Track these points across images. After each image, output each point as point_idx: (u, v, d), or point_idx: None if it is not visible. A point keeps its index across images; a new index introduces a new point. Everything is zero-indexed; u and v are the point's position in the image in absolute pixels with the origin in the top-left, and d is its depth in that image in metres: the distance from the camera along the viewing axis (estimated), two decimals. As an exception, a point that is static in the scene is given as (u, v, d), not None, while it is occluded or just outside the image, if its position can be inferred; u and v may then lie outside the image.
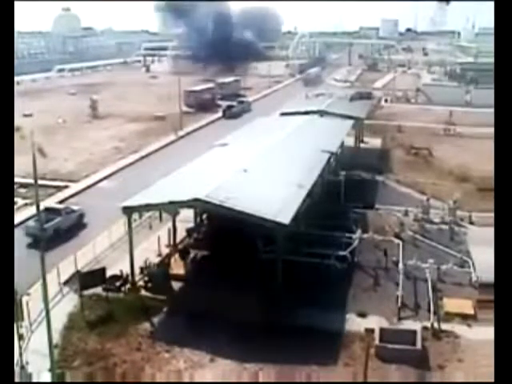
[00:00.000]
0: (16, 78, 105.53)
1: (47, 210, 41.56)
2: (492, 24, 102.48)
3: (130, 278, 33.57)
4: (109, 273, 33.08)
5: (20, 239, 36.46)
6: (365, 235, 38.33)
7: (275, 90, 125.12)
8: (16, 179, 42.10)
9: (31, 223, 40.10)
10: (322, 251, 34.92)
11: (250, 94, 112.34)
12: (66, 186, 51.79)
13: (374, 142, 67.46)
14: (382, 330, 27.79)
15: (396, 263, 34.90)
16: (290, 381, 25.52)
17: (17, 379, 24.06)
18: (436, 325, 29.27)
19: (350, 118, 60.94)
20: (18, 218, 41.65)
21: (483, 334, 27.61)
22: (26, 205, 45.10)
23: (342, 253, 35.26)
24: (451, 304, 30.97)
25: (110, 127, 78.82)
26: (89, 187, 52.12)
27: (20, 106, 73.95)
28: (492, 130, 41.17)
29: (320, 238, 36.39)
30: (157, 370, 26.24)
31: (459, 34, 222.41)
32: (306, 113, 61.82)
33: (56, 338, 27.14)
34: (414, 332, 27.72)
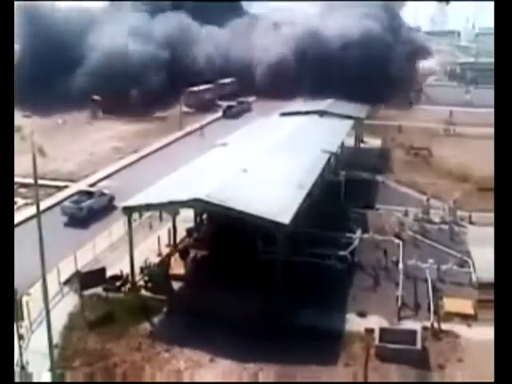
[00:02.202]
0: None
1: (82, 192, 47.51)
2: (492, 24, 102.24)
3: (130, 277, 33.59)
4: (109, 273, 33.12)
5: (57, 218, 43.04)
6: (365, 235, 38.31)
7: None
8: (16, 179, 42.13)
9: (67, 203, 45.11)
10: (322, 251, 34.95)
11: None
12: (66, 186, 51.78)
13: (374, 142, 67.42)
14: (381, 330, 27.80)
15: (396, 263, 34.90)
16: (290, 381, 25.53)
17: (17, 379, 24.04)
18: (436, 325, 29.28)
19: (349, 118, 60.88)
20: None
21: (483, 333, 27.61)
22: (26, 204, 45.13)
23: (342, 253, 35.29)
24: (451, 304, 30.97)
25: (110, 128, 78.68)
26: (89, 187, 52.01)
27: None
28: (492, 129, 41.16)
29: (320, 238, 36.42)
30: (157, 370, 26.25)
31: (459, 33, 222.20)
32: (306, 113, 61.75)
33: (56, 338, 27.16)
34: (414, 332, 27.73)
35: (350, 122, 59.26)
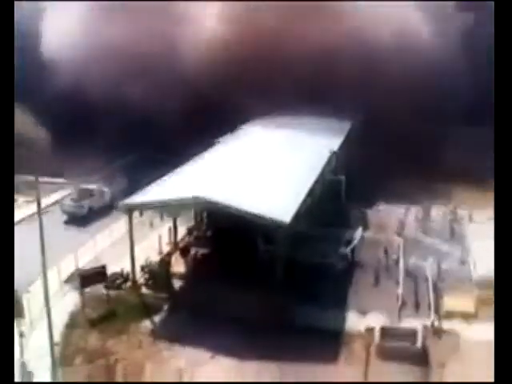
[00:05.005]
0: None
1: (82, 190, 46.47)
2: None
3: (130, 275, 33.67)
4: (109, 271, 33.16)
5: (57, 216, 43.04)
6: (365, 233, 38.28)
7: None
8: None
9: (67, 202, 44.88)
10: (322, 249, 34.96)
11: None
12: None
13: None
14: (382, 329, 27.79)
15: (396, 261, 34.93)
16: (290, 379, 25.57)
17: (17, 378, 24.07)
18: (436, 323, 29.31)
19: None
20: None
21: (483, 332, 27.60)
22: (27, 202, 45.05)
23: (342, 251, 35.30)
24: (452, 302, 30.98)
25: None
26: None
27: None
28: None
29: (321, 237, 36.41)
30: (157, 368, 26.33)
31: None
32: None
33: (57, 336, 27.14)
34: (415, 330, 27.76)
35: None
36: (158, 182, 36.48)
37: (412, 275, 33.61)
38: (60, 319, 29.23)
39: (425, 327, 28.54)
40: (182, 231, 39.62)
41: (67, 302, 31.67)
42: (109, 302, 31.46)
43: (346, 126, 52.19)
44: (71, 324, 29.70)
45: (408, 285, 32.56)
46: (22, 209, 43.03)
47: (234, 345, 27.19)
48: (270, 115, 52.52)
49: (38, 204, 23.78)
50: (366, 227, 39.46)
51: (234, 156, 42.18)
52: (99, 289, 32.12)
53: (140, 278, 33.89)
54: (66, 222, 43.65)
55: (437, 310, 30.25)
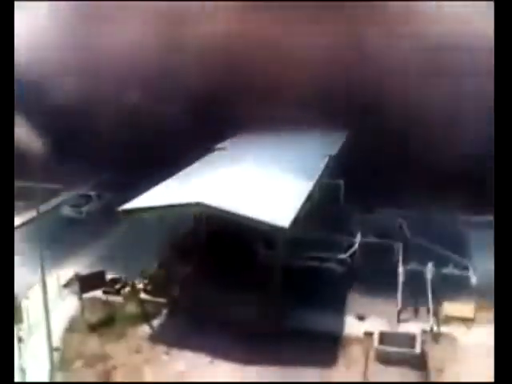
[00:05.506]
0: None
1: (80, 195, 47.85)
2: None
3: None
4: (108, 276, 33.11)
5: (58, 220, 43.52)
6: (364, 238, 38.21)
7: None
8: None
9: (67, 207, 45.77)
10: (321, 254, 34.93)
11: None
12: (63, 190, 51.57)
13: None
14: (381, 334, 27.82)
15: (395, 266, 34.86)
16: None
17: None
18: (435, 328, 29.29)
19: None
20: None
21: (482, 337, 27.66)
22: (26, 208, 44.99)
23: (341, 256, 35.26)
24: (451, 307, 30.93)
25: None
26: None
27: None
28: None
29: (320, 241, 36.37)
30: (156, 373, 26.32)
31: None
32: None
33: (56, 341, 27.14)
34: (414, 335, 27.77)
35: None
36: (158, 187, 36.45)
37: (411, 280, 33.60)
38: (59, 324, 29.20)
39: (424, 332, 28.56)
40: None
41: (66, 306, 31.61)
42: (108, 307, 31.43)
43: (342, 134, 52.23)
44: (70, 329, 29.66)
45: (407, 289, 32.57)
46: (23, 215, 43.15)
47: (232, 349, 27.19)
48: (271, 120, 52.12)
49: (37, 209, 23.80)
50: (365, 232, 39.31)
51: (232, 162, 42.05)
52: (98, 293, 32.13)
53: (139, 282, 33.82)
54: (65, 227, 43.30)
55: (436, 315, 30.25)
